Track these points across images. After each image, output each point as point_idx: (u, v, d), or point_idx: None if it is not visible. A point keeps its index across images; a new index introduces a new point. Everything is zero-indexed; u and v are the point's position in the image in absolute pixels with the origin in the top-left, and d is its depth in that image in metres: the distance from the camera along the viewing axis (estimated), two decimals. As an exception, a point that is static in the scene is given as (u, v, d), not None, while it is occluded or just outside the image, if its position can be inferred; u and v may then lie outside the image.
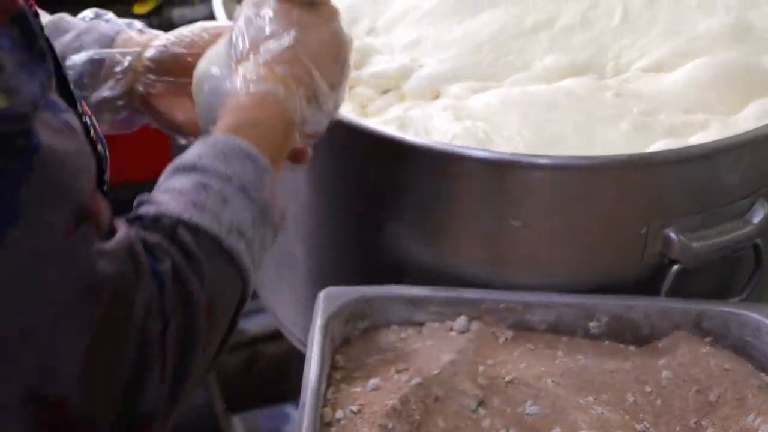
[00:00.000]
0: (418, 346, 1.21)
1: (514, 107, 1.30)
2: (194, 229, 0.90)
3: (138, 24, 1.26)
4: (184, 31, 1.21)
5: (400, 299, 1.25)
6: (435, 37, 1.43)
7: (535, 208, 1.22)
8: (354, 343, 1.24)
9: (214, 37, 1.17)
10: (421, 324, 1.25)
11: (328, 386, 1.18)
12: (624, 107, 1.31)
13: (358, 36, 1.44)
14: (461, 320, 1.23)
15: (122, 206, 2.45)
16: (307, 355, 1.18)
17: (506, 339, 1.23)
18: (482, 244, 1.27)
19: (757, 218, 1.27)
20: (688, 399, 1.18)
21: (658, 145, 1.24)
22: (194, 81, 1.13)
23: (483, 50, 1.40)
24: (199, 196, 0.92)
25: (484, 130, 1.27)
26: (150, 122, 1.25)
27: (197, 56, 1.15)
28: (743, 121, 1.30)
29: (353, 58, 1.33)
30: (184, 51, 1.19)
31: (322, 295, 1.23)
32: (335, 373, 1.20)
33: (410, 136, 1.23)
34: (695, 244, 1.23)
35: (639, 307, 1.24)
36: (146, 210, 0.91)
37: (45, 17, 1.23)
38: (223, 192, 0.93)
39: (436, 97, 1.37)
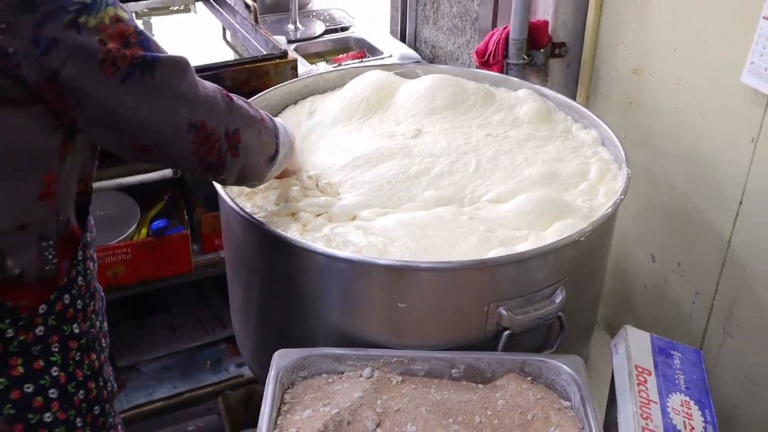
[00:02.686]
0: (338, 388, 1.24)
1: (403, 227, 1.34)
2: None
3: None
4: None
5: (328, 356, 1.27)
6: (351, 180, 1.47)
7: (414, 295, 1.26)
8: (297, 386, 1.26)
9: None
10: (342, 373, 1.28)
11: (278, 415, 1.21)
12: (474, 227, 1.35)
13: (301, 180, 1.49)
14: (367, 370, 1.26)
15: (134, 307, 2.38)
16: (264, 395, 1.21)
17: (397, 381, 1.26)
18: (382, 319, 1.30)
19: (558, 299, 1.31)
20: (514, 418, 1.22)
21: (493, 253, 1.29)
22: None
23: (384, 188, 1.44)
24: None
25: (383, 243, 1.31)
26: None
27: None
28: (549, 236, 1.34)
29: (298, 194, 1.40)
30: None
31: (276, 355, 1.26)
32: (283, 407, 1.22)
33: (335, 251, 1.27)
34: (519, 317, 1.27)
35: (484, 359, 1.28)
36: None
37: None
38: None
39: (354, 218, 1.41)
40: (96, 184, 2.06)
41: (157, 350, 2.56)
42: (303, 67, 2.44)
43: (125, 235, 2.18)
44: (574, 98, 1.92)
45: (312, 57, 2.75)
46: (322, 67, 2.51)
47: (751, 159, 1.62)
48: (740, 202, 1.67)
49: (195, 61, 2.26)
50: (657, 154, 1.86)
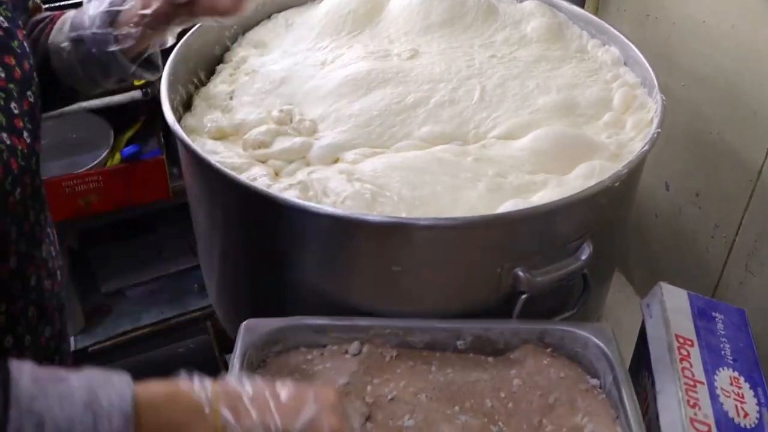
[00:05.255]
0: (319, 369, 0.91)
1: (396, 171, 0.98)
2: None
3: None
4: None
5: (306, 328, 0.93)
6: (336, 112, 1.10)
7: (411, 258, 0.91)
8: (269, 365, 0.92)
9: None
10: (324, 346, 0.95)
11: (245, 406, 0.88)
12: (481, 171, 0.99)
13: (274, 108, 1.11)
14: (354, 345, 0.93)
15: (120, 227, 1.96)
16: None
17: (391, 357, 0.93)
18: (372, 283, 0.95)
19: (584, 255, 0.96)
20: (532, 402, 0.90)
21: (508, 205, 0.93)
22: None
23: (374, 123, 1.07)
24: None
25: (371, 192, 0.95)
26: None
27: None
28: (573, 180, 0.99)
29: (267, 137, 1.03)
30: None
31: (243, 326, 0.92)
32: (252, 394, 0.90)
33: (313, 204, 0.90)
34: (538, 279, 0.93)
35: (496, 328, 0.94)
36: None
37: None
38: None
39: (336, 161, 1.05)
40: (65, 109, 1.70)
41: (144, 274, 2.23)
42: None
43: (98, 160, 1.82)
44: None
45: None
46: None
47: (794, 81, 1.25)
48: (776, 130, 1.31)
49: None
50: (677, 73, 1.48)
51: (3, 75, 0.81)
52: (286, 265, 0.97)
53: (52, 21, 0.99)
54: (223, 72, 1.23)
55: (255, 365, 0.92)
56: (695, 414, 0.87)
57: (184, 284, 2.24)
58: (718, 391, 0.91)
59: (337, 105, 1.10)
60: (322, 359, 0.93)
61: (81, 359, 2.02)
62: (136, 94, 1.71)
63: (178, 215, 2.39)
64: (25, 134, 0.83)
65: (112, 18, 0.94)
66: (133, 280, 2.22)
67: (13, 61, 0.83)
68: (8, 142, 0.79)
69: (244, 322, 0.93)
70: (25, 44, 0.87)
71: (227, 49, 1.30)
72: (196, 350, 2.26)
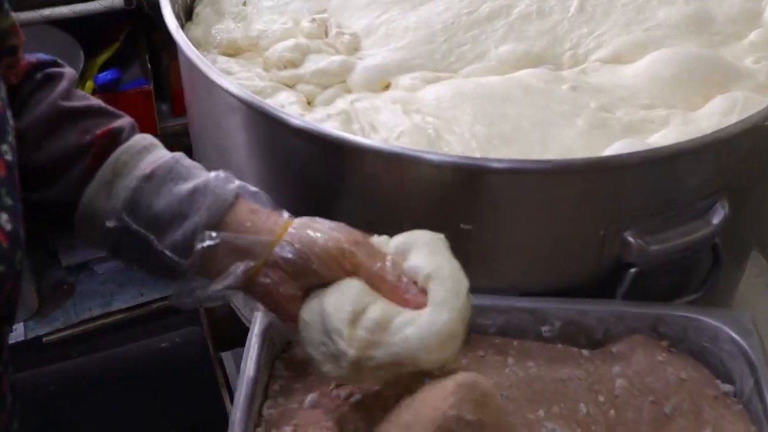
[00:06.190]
0: (360, 354, 0.95)
1: (467, 101, 1.01)
2: None
3: (250, 187, 0.88)
4: (312, 234, 0.84)
5: (345, 302, 0.98)
6: (387, 25, 1.13)
7: (486, 213, 0.94)
8: (296, 346, 0.97)
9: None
10: (366, 325, 0.98)
11: (265, 399, 0.92)
12: (581, 102, 1.02)
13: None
14: (409, 326, 0.97)
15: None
16: (242, 366, 0.91)
17: (455, 345, 0.97)
18: (433, 246, 0.99)
19: (717, 219, 0.99)
20: (642, 410, 0.93)
21: (617, 147, 0.96)
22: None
23: (437, 39, 1.10)
24: None
25: (435, 127, 0.98)
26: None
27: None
28: (705, 118, 1.01)
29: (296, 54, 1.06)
30: (312, 259, 0.82)
31: (263, 298, 0.97)
32: (274, 384, 0.93)
33: (355, 137, 0.92)
34: (653, 248, 0.96)
35: (593, 312, 0.97)
36: None
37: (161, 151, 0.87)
38: None
39: (388, 86, 1.07)
40: (20, 15, 1.75)
41: (117, 243, 2.33)
42: None
43: (62, 89, 1.88)
44: None
45: None
46: None
47: None
48: None
49: None
50: None
51: None
52: (321, 215, 1.00)
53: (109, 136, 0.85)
54: (235, -27, 1.26)
55: (278, 348, 0.95)
56: None
57: (170, 258, 2.31)
58: None
59: (388, 15, 1.14)
60: (366, 343, 0.96)
61: (32, 349, 2.08)
62: (116, 1, 1.73)
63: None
64: (4, 218, 0.70)
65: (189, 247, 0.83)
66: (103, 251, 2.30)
67: None
68: None
69: (264, 293, 0.96)
70: None
71: (243, -61, 1.33)
72: (184, 345, 2.32)
